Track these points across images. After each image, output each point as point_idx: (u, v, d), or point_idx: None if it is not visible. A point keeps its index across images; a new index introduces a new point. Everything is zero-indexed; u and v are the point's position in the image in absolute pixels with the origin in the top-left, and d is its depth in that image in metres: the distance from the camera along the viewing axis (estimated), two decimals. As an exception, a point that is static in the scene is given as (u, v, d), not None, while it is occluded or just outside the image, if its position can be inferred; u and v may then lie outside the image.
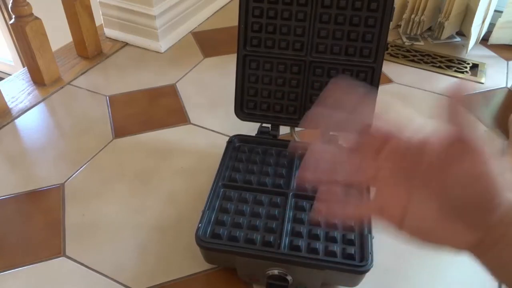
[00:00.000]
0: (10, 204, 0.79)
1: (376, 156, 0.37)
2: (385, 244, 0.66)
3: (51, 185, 0.82)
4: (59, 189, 0.82)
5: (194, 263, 0.68)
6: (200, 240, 0.62)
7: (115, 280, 0.67)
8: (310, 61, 0.75)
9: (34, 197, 0.80)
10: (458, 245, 0.36)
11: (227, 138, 0.80)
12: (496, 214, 0.33)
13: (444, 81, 1.09)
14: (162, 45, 1.21)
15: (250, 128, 0.82)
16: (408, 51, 1.20)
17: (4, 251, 0.71)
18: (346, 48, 0.74)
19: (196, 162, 0.87)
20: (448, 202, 0.34)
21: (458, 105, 0.34)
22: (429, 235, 0.36)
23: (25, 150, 0.91)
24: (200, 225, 0.64)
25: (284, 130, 0.87)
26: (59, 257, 0.70)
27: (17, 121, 0.98)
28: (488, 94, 1.06)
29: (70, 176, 0.84)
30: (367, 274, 0.60)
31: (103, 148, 0.90)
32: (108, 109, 1.01)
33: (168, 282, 0.67)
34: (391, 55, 1.18)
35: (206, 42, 1.25)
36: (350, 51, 0.73)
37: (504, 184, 0.33)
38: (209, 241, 0.63)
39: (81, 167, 0.86)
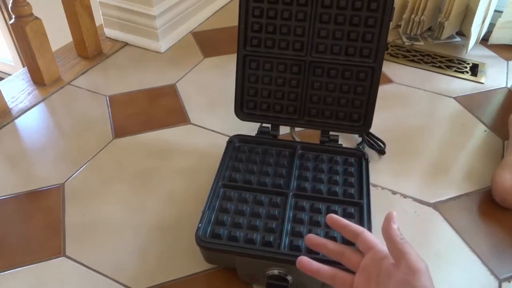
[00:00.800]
0: (10, 204, 0.79)
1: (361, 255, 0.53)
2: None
3: (51, 185, 0.82)
4: (59, 189, 0.82)
5: (194, 263, 0.68)
6: (200, 240, 0.62)
7: (115, 280, 0.67)
8: (310, 61, 0.75)
9: (34, 197, 0.80)
10: None
11: (227, 138, 0.80)
12: None
13: (444, 81, 1.09)
14: (162, 45, 1.21)
15: (250, 128, 0.82)
16: (408, 51, 1.20)
17: (4, 251, 0.71)
18: (346, 48, 0.74)
19: (196, 162, 0.87)
20: None
21: (391, 229, 0.51)
22: None
23: (25, 150, 0.91)
24: (200, 225, 0.64)
25: (284, 130, 0.88)
26: (59, 257, 0.70)
27: (17, 121, 0.98)
28: (488, 94, 1.06)
29: (70, 176, 0.84)
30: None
31: (103, 148, 0.90)
32: (108, 109, 1.01)
33: (168, 282, 0.67)
34: (391, 55, 1.18)
35: (206, 42, 1.25)
36: (350, 51, 0.74)
37: None
38: (209, 241, 0.63)
39: (81, 167, 0.86)
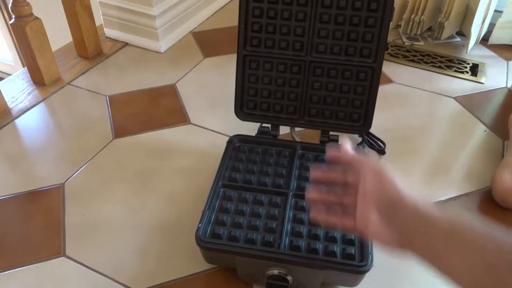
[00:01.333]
0: (10, 204, 0.79)
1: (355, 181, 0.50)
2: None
3: (51, 185, 0.82)
4: (59, 189, 0.82)
5: (194, 263, 0.68)
6: (200, 240, 0.62)
7: (115, 280, 0.67)
8: (310, 61, 0.75)
9: (34, 197, 0.80)
10: (393, 244, 0.47)
11: (227, 138, 0.80)
12: (405, 213, 0.44)
13: (444, 81, 1.09)
14: (162, 45, 1.21)
15: (250, 128, 0.82)
16: (408, 51, 1.20)
17: (4, 251, 0.71)
18: (346, 48, 0.74)
19: (196, 162, 0.87)
20: (378, 208, 0.47)
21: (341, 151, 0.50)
22: (378, 237, 0.48)
23: (25, 150, 0.91)
24: (200, 225, 0.64)
25: (284, 130, 0.88)
26: (59, 257, 0.70)
27: (17, 121, 0.98)
28: (488, 94, 1.06)
29: (70, 176, 0.84)
30: (367, 274, 0.60)
31: (103, 148, 0.90)
32: (108, 109, 1.01)
33: (168, 282, 0.67)
34: (391, 55, 1.18)
35: (206, 42, 1.25)
36: (350, 51, 0.74)
37: (405, 193, 0.45)
38: (209, 241, 0.63)
39: (81, 167, 0.86)
